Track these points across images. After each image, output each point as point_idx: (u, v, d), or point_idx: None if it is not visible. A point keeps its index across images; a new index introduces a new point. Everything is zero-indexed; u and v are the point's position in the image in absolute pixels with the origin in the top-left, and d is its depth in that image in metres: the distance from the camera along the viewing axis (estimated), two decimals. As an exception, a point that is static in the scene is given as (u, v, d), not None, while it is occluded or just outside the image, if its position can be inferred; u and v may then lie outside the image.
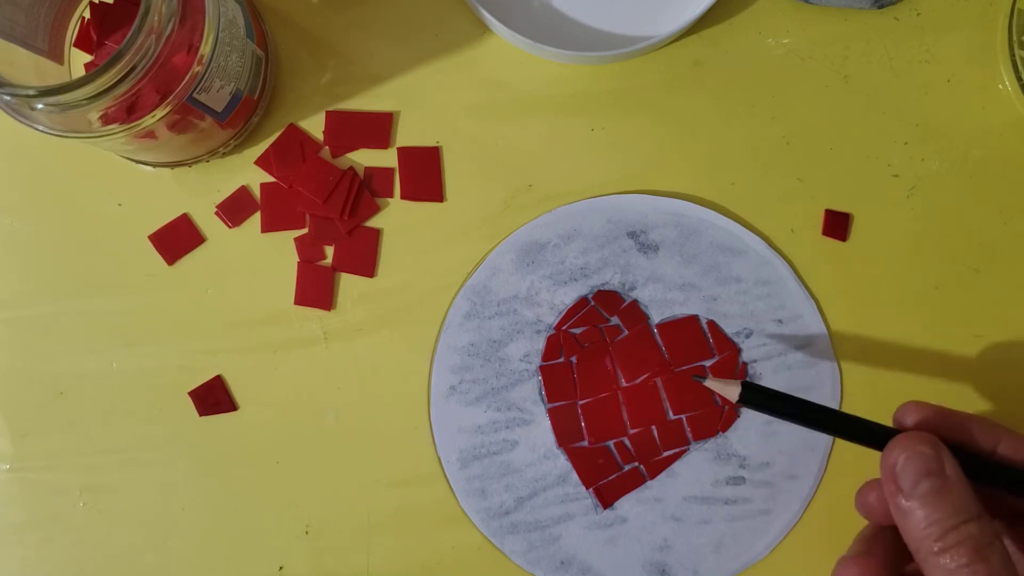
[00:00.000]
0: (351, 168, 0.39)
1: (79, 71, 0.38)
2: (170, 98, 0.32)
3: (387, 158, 0.40)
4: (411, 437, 0.39)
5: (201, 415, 0.39)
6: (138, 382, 0.39)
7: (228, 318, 0.39)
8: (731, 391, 0.32)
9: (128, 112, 0.32)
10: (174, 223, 0.40)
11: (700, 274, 0.39)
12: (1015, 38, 0.39)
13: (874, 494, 0.34)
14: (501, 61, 0.40)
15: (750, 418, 0.38)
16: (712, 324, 0.39)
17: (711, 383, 0.33)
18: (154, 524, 0.39)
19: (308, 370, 0.39)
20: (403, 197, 0.40)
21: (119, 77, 0.30)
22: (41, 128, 0.32)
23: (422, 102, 0.40)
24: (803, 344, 0.39)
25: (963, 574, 0.28)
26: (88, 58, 0.38)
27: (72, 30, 0.38)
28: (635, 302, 0.39)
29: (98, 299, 0.39)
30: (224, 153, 0.39)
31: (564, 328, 0.39)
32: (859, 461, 0.39)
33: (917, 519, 0.29)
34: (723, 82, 0.40)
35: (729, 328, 0.39)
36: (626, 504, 0.38)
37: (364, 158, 0.40)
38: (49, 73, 0.36)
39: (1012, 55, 0.39)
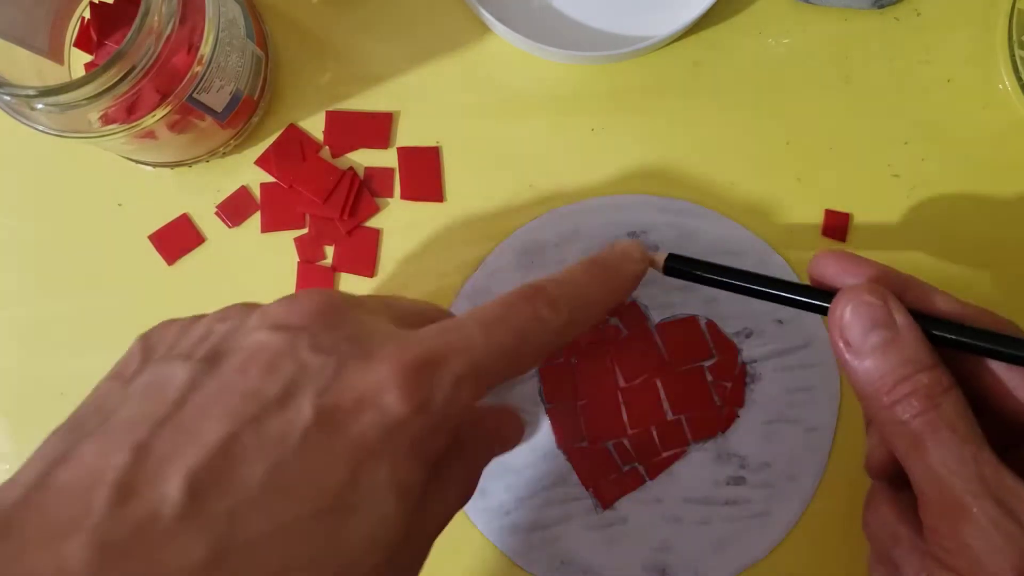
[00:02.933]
0: (351, 168, 0.39)
1: (79, 71, 0.38)
2: (170, 98, 0.32)
3: (387, 158, 0.40)
4: (411, 437, 0.39)
5: (201, 415, 0.39)
6: (138, 382, 0.39)
7: (228, 318, 0.39)
8: (658, 260, 0.32)
9: (128, 112, 0.32)
10: (174, 223, 0.40)
11: (700, 274, 0.39)
12: (1015, 38, 0.39)
13: (873, 518, 0.32)
14: (501, 61, 0.40)
15: (750, 418, 0.38)
16: (712, 324, 0.39)
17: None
18: (154, 524, 0.39)
19: (308, 370, 0.39)
20: (403, 197, 0.40)
21: (119, 77, 0.30)
22: (41, 128, 0.32)
23: (422, 102, 0.40)
24: (803, 344, 0.39)
25: (915, 424, 0.26)
26: (88, 58, 0.38)
27: (72, 30, 0.38)
28: (635, 302, 0.39)
29: (98, 299, 0.39)
30: (224, 153, 0.39)
31: (564, 328, 0.39)
32: (859, 460, 0.39)
33: (867, 372, 0.27)
34: (723, 82, 0.40)
35: (729, 328, 0.39)
36: (626, 504, 0.38)
37: (364, 158, 0.40)
38: (49, 73, 0.36)
39: (1012, 55, 0.39)
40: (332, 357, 0.24)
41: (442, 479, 0.27)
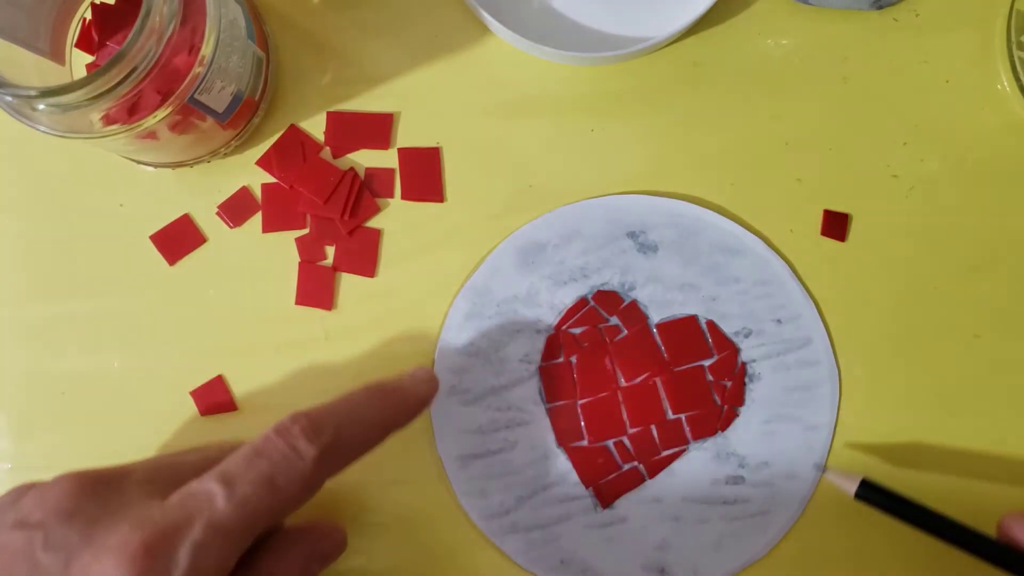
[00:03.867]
0: (352, 168, 0.39)
1: (80, 72, 0.38)
2: (171, 99, 0.32)
3: (387, 158, 0.40)
4: (411, 437, 0.39)
5: (202, 415, 0.39)
6: (139, 382, 0.39)
7: (229, 318, 0.39)
8: (849, 485, 0.34)
9: (129, 113, 0.32)
10: (175, 223, 0.40)
11: (699, 274, 0.39)
12: (1014, 39, 0.39)
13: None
14: (501, 61, 0.40)
15: (749, 418, 0.38)
16: (711, 324, 0.39)
17: (831, 475, 0.35)
18: (155, 523, 0.39)
19: (309, 370, 0.39)
20: (403, 197, 0.40)
21: (120, 78, 0.30)
22: (43, 129, 0.32)
23: (422, 102, 0.40)
24: (802, 344, 0.39)
25: None
26: (89, 59, 0.38)
27: (73, 31, 0.38)
28: (634, 302, 0.39)
29: (99, 299, 0.40)
30: (225, 154, 0.39)
31: (564, 328, 0.39)
32: (858, 460, 0.39)
33: None
34: (723, 83, 0.40)
35: (728, 328, 0.39)
36: (625, 504, 0.38)
37: (365, 158, 0.40)
38: (51, 74, 0.36)
39: (1011, 56, 0.39)
40: (61, 553, 0.25)
41: None
